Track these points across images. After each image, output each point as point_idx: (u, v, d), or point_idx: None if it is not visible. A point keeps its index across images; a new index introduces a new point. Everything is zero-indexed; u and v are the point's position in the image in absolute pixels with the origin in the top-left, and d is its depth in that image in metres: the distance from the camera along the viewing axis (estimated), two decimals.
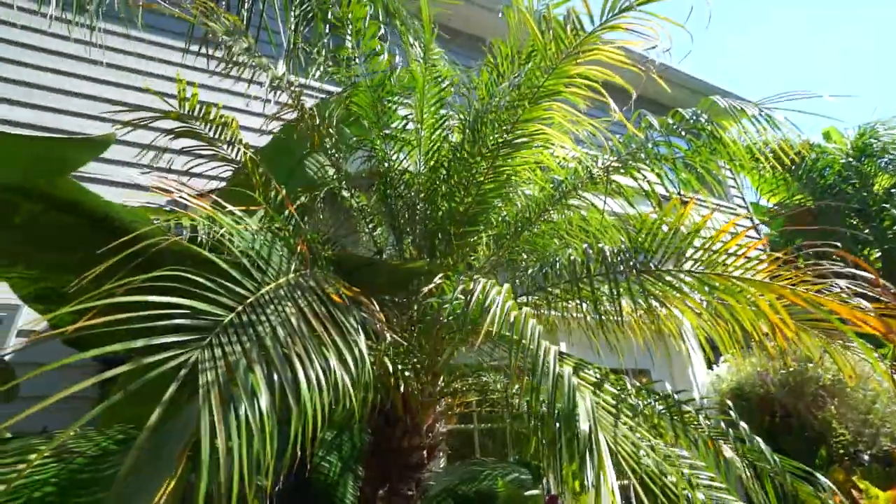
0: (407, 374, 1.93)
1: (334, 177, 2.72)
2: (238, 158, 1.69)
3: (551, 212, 2.20)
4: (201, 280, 0.83)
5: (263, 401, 0.74)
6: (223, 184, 2.29)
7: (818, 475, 1.45)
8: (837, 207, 5.82)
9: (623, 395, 0.99)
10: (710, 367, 4.61)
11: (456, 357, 2.30)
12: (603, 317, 2.26)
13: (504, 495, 2.34)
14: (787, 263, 1.18)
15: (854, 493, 3.02)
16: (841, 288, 1.07)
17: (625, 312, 2.12)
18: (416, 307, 1.58)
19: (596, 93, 1.62)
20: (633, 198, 2.23)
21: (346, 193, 2.80)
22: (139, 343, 0.68)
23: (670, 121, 2.00)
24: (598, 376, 1.03)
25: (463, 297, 0.98)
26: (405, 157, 2.43)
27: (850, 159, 5.76)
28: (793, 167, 6.52)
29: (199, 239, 1.01)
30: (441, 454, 3.19)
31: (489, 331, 1.40)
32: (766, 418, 3.95)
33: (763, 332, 1.35)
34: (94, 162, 3.01)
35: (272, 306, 0.92)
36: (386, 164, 2.43)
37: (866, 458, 3.67)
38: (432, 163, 2.31)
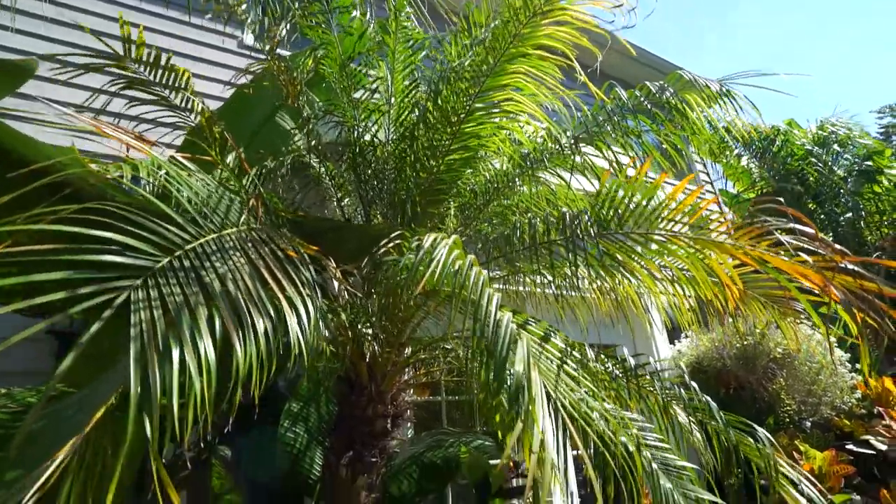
0: (371, 340, 1.92)
1: (300, 144, 2.64)
2: (194, 118, 1.61)
3: (519, 183, 2.20)
4: (141, 220, 0.79)
5: (204, 344, 0.72)
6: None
7: (756, 427, 1.54)
8: (797, 192, 6.07)
9: (568, 349, 1.01)
10: (671, 342, 4.79)
11: (423, 326, 2.30)
12: (566, 289, 2.30)
13: (467, 460, 2.39)
14: (734, 224, 1.22)
15: (795, 454, 3.23)
16: (785, 242, 1.11)
17: (588, 283, 2.16)
18: (379, 273, 1.57)
19: (564, 57, 1.61)
20: (600, 173, 2.25)
21: (314, 162, 2.73)
22: (63, 275, 0.64)
23: (637, 93, 2.02)
24: (545, 331, 1.05)
25: (415, 254, 0.97)
26: (374, 124, 2.38)
27: (814, 146, 5.99)
28: (759, 154, 6.73)
29: (141, 185, 0.96)
30: (409, 424, 3.23)
31: (446, 291, 1.39)
32: (721, 390, 4.15)
33: (714, 294, 1.40)
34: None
35: (219, 254, 0.89)
36: (356, 132, 2.37)
37: (808, 424, 3.92)
38: (402, 130, 2.27)
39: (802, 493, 1.50)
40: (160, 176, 0.92)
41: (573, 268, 1.37)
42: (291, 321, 0.90)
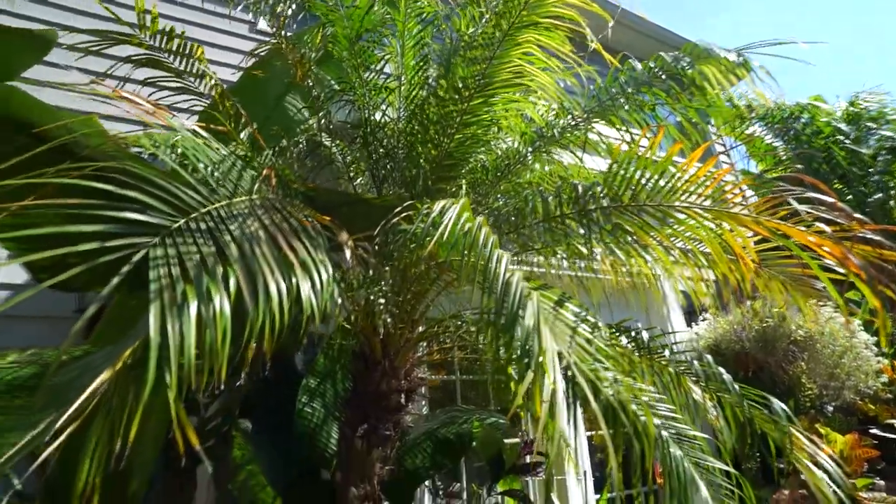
0: (384, 316, 1.95)
1: (312, 124, 2.66)
2: (207, 93, 1.63)
3: (531, 160, 2.19)
4: (160, 183, 0.82)
5: (219, 299, 0.74)
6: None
7: (772, 399, 1.52)
8: (822, 172, 5.86)
9: (582, 314, 1.02)
10: (689, 325, 4.73)
11: (437, 303, 2.33)
12: (580, 268, 2.29)
13: (480, 435, 2.43)
14: (757, 205, 1.19)
15: (815, 438, 3.18)
16: (802, 211, 1.08)
17: (601, 260, 2.14)
18: (391, 245, 1.59)
19: (574, 24, 1.58)
20: (612, 147, 2.22)
21: (326, 142, 2.75)
22: (92, 228, 0.67)
23: (652, 64, 1.97)
24: (559, 296, 1.06)
25: (425, 220, 0.98)
26: (384, 102, 2.38)
27: (841, 124, 5.75)
28: (783, 133, 6.50)
29: (158, 158, 0.99)
30: (423, 402, 3.28)
31: (455, 260, 1.39)
32: (739, 373, 4.09)
33: (729, 268, 1.38)
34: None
35: (232, 218, 0.92)
36: (367, 111, 2.38)
37: (830, 409, 3.85)
38: (412, 107, 2.26)
39: (821, 467, 1.49)
40: (177, 142, 0.95)
41: (587, 244, 1.36)
42: (304, 284, 0.92)
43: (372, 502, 2.21)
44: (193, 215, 0.84)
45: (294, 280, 0.92)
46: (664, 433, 1.17)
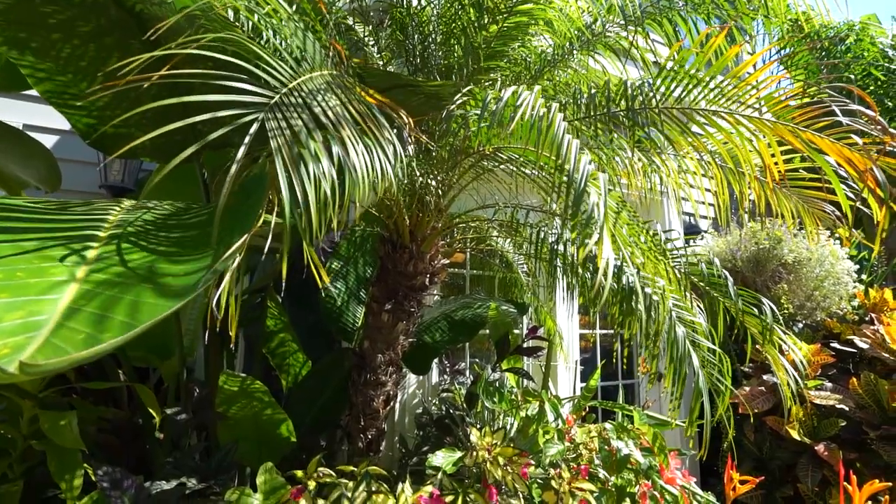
0: (426, 197, 2.06)
1: (342, 6, 2.52)
2: None
3: (574, 58, 2.14)
4: (262, 55, 0.87)
5: (325, 162, 0.84)
6: None
7: (764, 301, 1.74)
8: (850, 102, 5.64)
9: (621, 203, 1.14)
10: (687, 244, 4.94)
11: (461, 199, 2.45)
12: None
13: (493, 318, 2.70)
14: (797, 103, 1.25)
15: (786, 339, 3.55)
16: (845, 123, 1.15)
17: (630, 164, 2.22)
18: (447, 127, 1.63)
19: None
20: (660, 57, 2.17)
21: (357, 27, 2.63)
22: (210, 97, 0.75)
23: None
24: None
25: (493, 105, 1.04)
26: None
27: (889, 49, 5.40)
28: (821, 54, 6.13)
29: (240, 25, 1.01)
30: (436, 291, 3.56)
31: (511, 149, 1.47)
32: None
33: (755, 177, 1.48)
34: None
35: (317, 93, 0.98)
36: None
37: (801, 325, 4.23)
38: None
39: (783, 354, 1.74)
40: (265, 14, 0.96)
41: (632, 144, 1.43)
42: (384, 158, 1.02)
43: (395, 367, 2.54)
44: (292, 85, 0.90)
45: (374, 154, 1.02)
46: (673, 314, 1.37)
